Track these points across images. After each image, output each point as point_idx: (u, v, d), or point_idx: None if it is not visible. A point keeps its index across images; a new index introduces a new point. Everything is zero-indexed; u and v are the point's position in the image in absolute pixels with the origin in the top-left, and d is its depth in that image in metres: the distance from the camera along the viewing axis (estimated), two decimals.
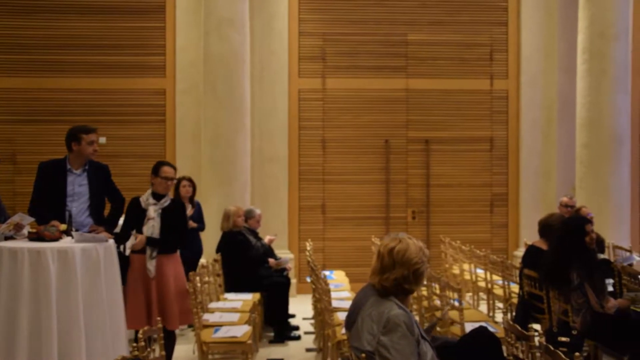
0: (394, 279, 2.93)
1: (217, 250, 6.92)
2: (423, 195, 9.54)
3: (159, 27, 9.21)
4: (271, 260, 7.07)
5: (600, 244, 6.59)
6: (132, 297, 4.81)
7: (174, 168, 5.03)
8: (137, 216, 4.90)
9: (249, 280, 6.67)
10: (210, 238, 7.34)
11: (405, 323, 2.80)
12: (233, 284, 6.69)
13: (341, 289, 6.81)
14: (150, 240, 4.82)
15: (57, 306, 3.98)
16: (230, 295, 6.44)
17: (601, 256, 5.75)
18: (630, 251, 7.32)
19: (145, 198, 4.93)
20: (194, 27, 8.92)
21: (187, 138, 9.09)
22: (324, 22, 9.45)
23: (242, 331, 5.01)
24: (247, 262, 6.73)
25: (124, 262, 4.79)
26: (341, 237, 9.42)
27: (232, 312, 5.69)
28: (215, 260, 6.69)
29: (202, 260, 6.85)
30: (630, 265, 6.17)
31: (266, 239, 7.27)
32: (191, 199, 6.89)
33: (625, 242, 7.94)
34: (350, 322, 3.03)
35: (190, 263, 6.23)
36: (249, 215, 7.17)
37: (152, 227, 4.85)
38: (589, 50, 8.24)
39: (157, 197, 4.92)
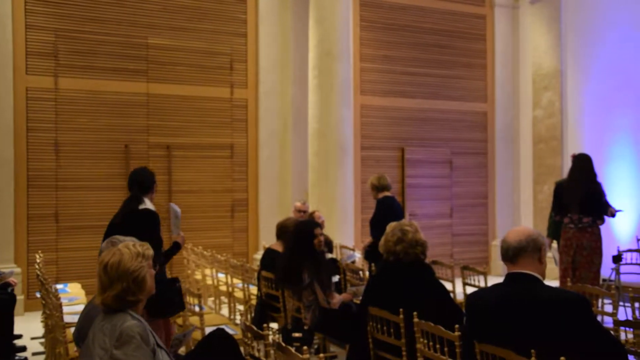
0: (114, 295, 2.74)
1: None
2: (165, 202, 9.41)
3: None
4: None
5: (328, 244, 7.23)
6: None
7: None
8: None
9: None
10: None
11: (140, 334, 2.70)
12: None
13: (76, 302, 6.38)
14: None
15: None
16: None
17: (329, 255, 6.30)
18: (353, 250, 8.14)
19: None
20: None
21: None
22: (56, 17, 8.79)
23: None
24: None
25: None
26: (77, 247, 8.83)
27: None
28: None
29: None
30: (353, 262, 6.88)
31: None
32: None
33: (350, 241, 8.80)
34: (80, 338, 2.87)
35: None
36: None
37: None
38: (318, 67, 9.00)
39: None
